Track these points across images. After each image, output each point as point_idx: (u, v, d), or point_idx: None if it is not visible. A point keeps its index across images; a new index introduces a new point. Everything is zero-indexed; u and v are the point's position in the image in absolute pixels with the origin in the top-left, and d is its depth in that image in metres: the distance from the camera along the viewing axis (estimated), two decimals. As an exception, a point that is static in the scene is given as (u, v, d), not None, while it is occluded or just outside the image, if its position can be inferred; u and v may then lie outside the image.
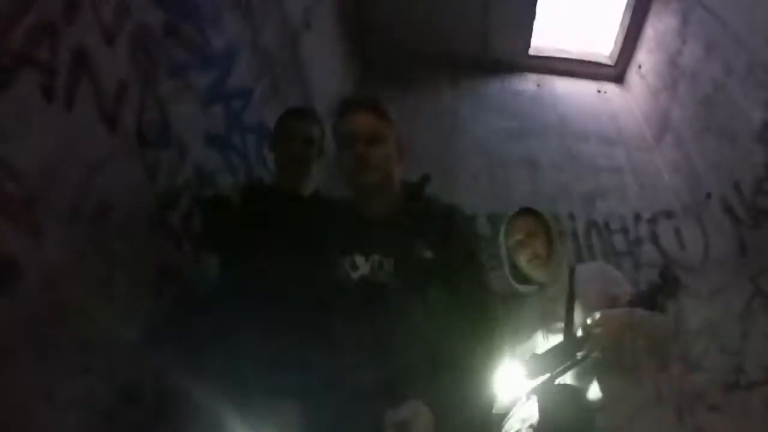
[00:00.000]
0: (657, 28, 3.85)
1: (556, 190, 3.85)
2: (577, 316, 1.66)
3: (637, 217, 3.76)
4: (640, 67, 4.17)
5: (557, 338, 1.68)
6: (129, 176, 1.71)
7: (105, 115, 1.60)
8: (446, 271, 1.26)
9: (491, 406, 1.44)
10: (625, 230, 3.72)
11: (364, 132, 1.35)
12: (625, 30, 4.16)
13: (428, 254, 1.27)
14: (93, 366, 1.46)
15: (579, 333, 1.56)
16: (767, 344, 2.76)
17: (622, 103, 4.33)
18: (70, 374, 1.40)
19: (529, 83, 4.46)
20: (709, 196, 3.38)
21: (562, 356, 1.54)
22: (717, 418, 2.98)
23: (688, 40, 3.51)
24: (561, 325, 1.68)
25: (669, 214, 3.74)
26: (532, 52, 4.38)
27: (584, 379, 1.55)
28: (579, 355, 1.52)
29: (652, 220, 3.75)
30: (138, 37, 1.73)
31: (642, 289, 1.72)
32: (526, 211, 2.00)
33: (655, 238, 3.69)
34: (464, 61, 4.32)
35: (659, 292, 1.66)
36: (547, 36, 4.47)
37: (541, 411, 1.50)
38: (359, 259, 1.31)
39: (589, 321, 1.52)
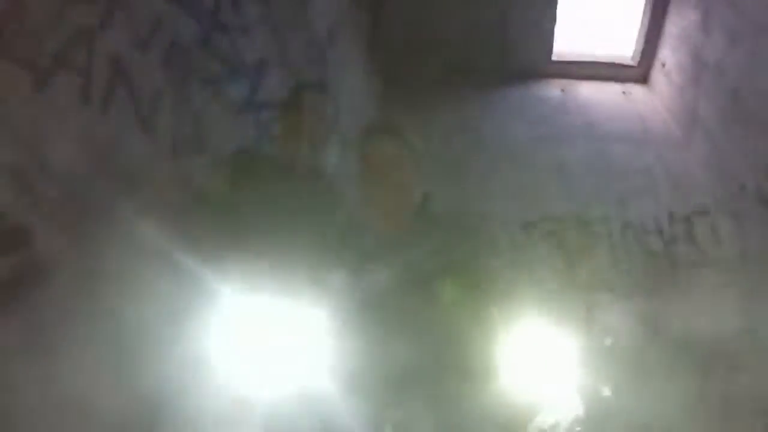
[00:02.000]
0: (678, 24, 3.83)
1: (588, 194, 3.81)
2: None
3: (671, 216, 3.69)
4: (663, 65, 4.14)
5: None
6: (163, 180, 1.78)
7: (141, 119, 1.67)
8: (443, 278, 1.39)
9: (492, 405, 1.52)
10: (660, 230, 3.66)
11: (378, 163, 1.51)
12: (646, 29, 4.15)
13: (428, 265, 1.40)
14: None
15: None
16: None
17: (648, 103, 4.30)
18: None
19: (553, 89, 4.47)
20: (743, 188, 3.30)
21: None
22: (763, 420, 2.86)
23: (712, 32, 3.48)
24: None
25: (704, 211, 3.66)
26: (554, 57, 4.40)
27: None
28: None
29: (687, 219, 3.67)
30: (172, 47, 1.81)
31: None
32: None
33: (690, 237, 3.61)
34: (487, 71, 4.36)
35: None
36: (569, 41, 4.49)
37: None
38: (374, 270, 1.46)
39: None
